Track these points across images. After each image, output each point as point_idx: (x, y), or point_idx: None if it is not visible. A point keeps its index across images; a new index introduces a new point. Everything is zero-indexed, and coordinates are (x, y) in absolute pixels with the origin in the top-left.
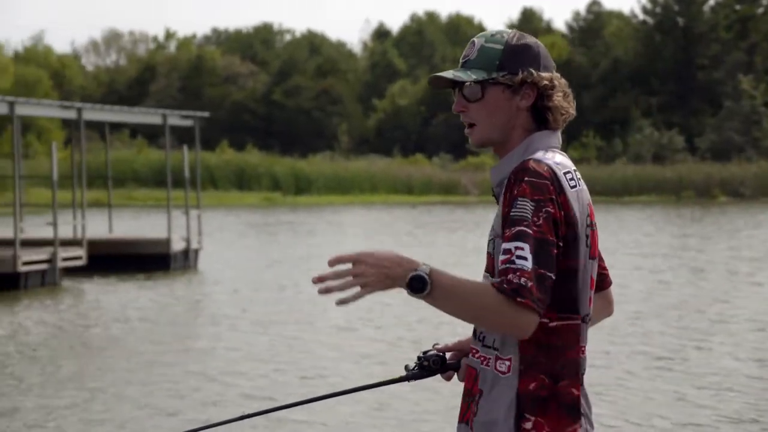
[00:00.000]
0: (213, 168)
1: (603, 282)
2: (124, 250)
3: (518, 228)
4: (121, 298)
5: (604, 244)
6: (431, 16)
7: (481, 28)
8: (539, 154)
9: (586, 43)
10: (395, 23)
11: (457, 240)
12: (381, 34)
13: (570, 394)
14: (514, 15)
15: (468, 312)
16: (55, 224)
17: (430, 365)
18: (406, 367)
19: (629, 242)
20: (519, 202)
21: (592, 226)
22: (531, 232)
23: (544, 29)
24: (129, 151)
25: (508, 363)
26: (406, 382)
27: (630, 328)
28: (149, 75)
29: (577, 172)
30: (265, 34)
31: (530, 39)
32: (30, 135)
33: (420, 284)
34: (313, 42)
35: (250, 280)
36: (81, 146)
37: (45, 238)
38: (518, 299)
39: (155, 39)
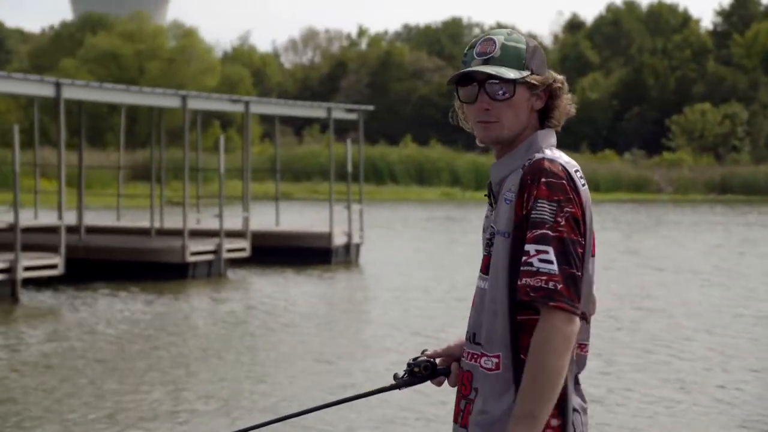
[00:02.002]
0: (394, 163)
1: None
2: (286, 242)
3: (540, 231)
4: (281, 290)
5: None
6: (630, 6)
7: (685, 17)
8: (549, 153)
9: None
10: (589, 14)
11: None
12: (573, 25)
13: (564, 386)
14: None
15: (552, 377)
16: (221, 216)
17: (420, 371)
18: (395, 376)
19: None
20: (539, 204)
21: (592, 224)
22: (554, 234)
23: (762, 13)
24: (318, 145)
25: (495, 360)
26: (398, 390)
27: None
28: (340, 71)
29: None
30: (453, 28)
31: (536, 42)
32: (230, 130)
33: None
34: None
35: (407, 277)
36: (246, 139)
37: (214, 229)
38: (551, 303)
39: (348, 36)
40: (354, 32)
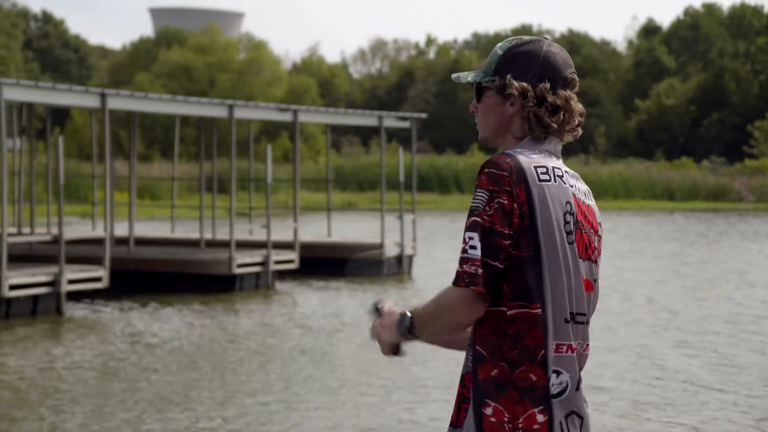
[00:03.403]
0: (460, 171)
1: None
2: (337, 254)
3: (473, 218)
4: (329, 303)
5: None
6: (710, 9)
7: None
8: (510, 151)
9: None
10: (666, 18)
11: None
12: (649, 30)
13: (527, 379)
14: None
15: (434, 320)
16: (268, 227)
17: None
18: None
19: None
20: (477, 193)
21: (579, 225)
22: (481, 221)
23: None
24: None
25: (471, 356)
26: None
27: None
28: (408, 81)
29: (559, 171)
30: (522, 35)
31: (535, 47)
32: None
33: (404, 321)
34: (574, 42)
35: None
36: (295, 149)
37: (264, 241)
38: (473, 288)
39: (417, 45)
40: (422, 41)
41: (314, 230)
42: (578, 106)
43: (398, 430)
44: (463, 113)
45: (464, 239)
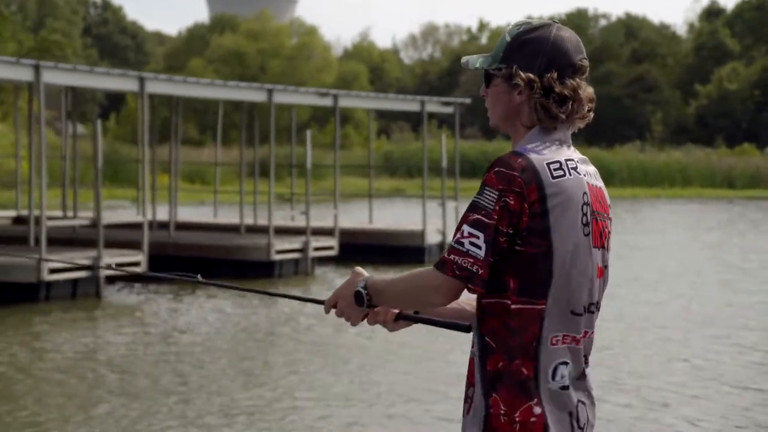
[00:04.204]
0: None
1: None
2: (377, 240)
3: (477, 216)
4: None
5: None
6: None
7: None
8: (521, 148)
9: None
10: (729, 0)
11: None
12: (712, 13)
13: (520, 373)
14: None
15: (403, 295)
16: (307, 214)
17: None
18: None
19: None
20: (484, 190)
21: (599, 216)
22: (489, 221)
23: None
24: (433, 140)
25: (478, 345)
26: None
27: None
28: (459, 66)
29: (572, 162)
30: (578, 20)
31: (543, 33)
32: (348, 127)
33: (360, 298)
34: (631, 26)
35: None
36: (336, 134)
37: (304, 227)
38: (469, 285)
39: (469, 30)
40: (474, 26)
41: (358, 217)
42: (587, 93)
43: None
44: None
45: (463, 232)
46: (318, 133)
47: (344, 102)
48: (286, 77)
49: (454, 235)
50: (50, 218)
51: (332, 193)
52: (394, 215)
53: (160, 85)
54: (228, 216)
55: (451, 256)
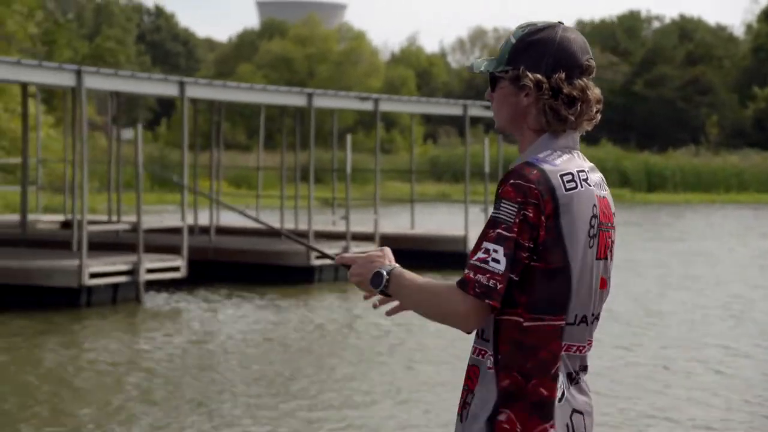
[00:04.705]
0: None
1: None
2: (419, 246)
3: (498, 230)
4: None
5: None
6: None
7: None
8: (533, 158)
9: None
10: None
11: None
12: None
13: (538, 394)
14: None
15: (424, 306)
16: (347, 218)
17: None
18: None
19: None
20: (502, 204)
21: (603, 227)
22: (510, 235)
23: None
24: (479, 145)
25: (492, 358)
26: None
27: None
28: None
29: (583, 173)
30: (630, 22)
31: (549, 34)
32: (393, 131)
33: (378, 280)
34: (685, 28)
35: None
36: (377, 138)
37: (343, 232)
38: (486, 301)
39: None
40: None
41: (400, 222)
42: (595, 94)
43: None
44: None
45: (484, 249)
46: (363, 138)
47: (385, 106)
48: (334, 82)
49: (474, 252)
50: (95, 222)
51: (373, 198)
52: (437, 220)
53: (200, 90)
54: (270, 220)
55: (475, 275)
